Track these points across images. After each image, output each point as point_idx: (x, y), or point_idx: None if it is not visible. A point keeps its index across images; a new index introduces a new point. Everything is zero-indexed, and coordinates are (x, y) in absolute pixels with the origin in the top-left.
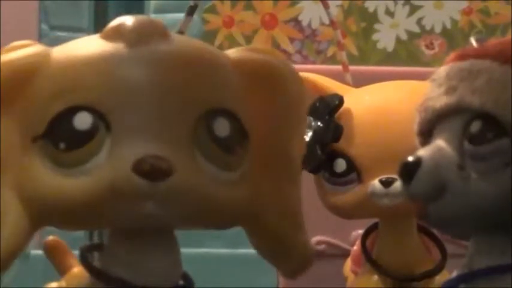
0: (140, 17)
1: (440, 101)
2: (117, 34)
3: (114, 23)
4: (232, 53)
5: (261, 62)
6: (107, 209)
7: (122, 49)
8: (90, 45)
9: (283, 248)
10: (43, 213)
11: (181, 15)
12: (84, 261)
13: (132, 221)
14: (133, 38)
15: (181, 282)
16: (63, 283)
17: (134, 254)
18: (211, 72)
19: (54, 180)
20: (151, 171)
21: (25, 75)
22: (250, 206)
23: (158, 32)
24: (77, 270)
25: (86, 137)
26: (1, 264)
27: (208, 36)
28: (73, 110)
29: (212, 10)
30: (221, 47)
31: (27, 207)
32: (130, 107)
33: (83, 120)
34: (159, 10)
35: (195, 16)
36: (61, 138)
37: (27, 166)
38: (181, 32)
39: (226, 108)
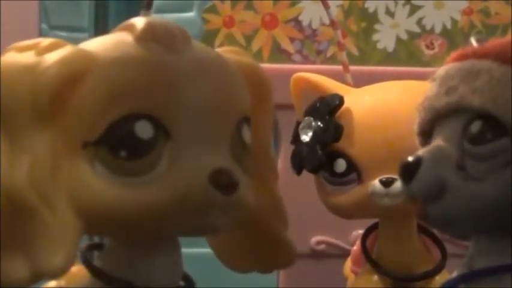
0: (165, 20)
1: (441, 101)
2: (153, 38)
3: (144, 26)
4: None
5: (252, 66)
6: (171, 220)
7: (165, 55)
8: (131, 49)
9: (273, 245)
10: (97, 222)
11: (181, 15)
12: (85, 261)
13: (192, 231)
14: (170, 43)
15: (181, 283)
16: (62, 282)
17: (136, 254)
18: (239, 78)
19: (113, 190)
20: (228, 184)
21: (73, 78)
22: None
23: (186, 38)
24: (76, 269)
25: (147, 146)
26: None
27: (209, 36)
28: (133, 118)
29: (212, 10)
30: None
31: (78, 215)
32: (188, 115)
33: (144, 129)
34: (159, 10)
35: (196, 16)
36: (121, 146)
37: (78, 172)
38: None
39: (248, 115)
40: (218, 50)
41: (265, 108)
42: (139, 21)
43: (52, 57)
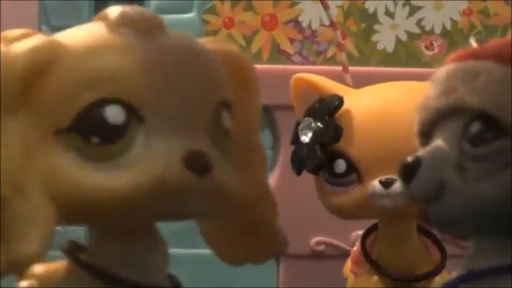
0: (138, 7)
1: (440, 101)
2: (125, 24)
3: (117, 13)
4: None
5: (235, 53)
6: (148, 204)
7: (138, 40)
8: (103, 35)
9: (263, 235)
10: (73, 209)
11: (181, 16)
12: (75, 258)
13: (169, 215)
14: (144, 29)
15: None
16: (34, 282)
17: (129, 252)
18: (217, 64)
19: (87, 175)
20: (202, 165)
21: (43, 67)
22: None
23: (160, 25)
24: (53, 268)
25: (120, 130)
26: (22, 268)
27: (208, 37)
28: (103, 103)
29: (212, 11)
30: None
31: (53, 204)
32: (161, 99)
33: (115, 114)
34: (159, 11)
35: (195, 17)
36: (93, 132)
37: (51, 160)
38: None
39: (228, 100)
40: (200, 40)
41: (251, 95)
42: (112, 10)
43: (21, 46)
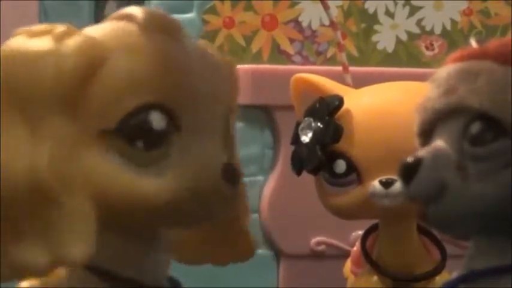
0: (161, 9)
1: (440, 101)
2: (157, 27)
3: (148, 15)
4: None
5: (233, 64)
6: (181, 210)
7: (173, 44)
8: (142, 39)
9: (233, 236)
10: (108, 211)
11: (181, 16)
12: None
13: (196, 221)
14: (176, 33)
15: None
16: (34, 282)
17: (133, 253)
18: (225, 70)
19: (131, 179)
20: (236, 177)
21: (94, 66)
22: None
23: (182, 28)
24: None
25: (162, 137)
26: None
27: (209, 37)
28: (147, 108)
29: (212, 11)
30: (221, 48)
31: (93, 204)
32: (194, 105)
33: (158, 119)
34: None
35: (195, 17)
36: (138, 136)
37: (94, 161)
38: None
39: (234, 107)
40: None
41: (234, 106)
42: (138, 11)
43: (73, 44)
